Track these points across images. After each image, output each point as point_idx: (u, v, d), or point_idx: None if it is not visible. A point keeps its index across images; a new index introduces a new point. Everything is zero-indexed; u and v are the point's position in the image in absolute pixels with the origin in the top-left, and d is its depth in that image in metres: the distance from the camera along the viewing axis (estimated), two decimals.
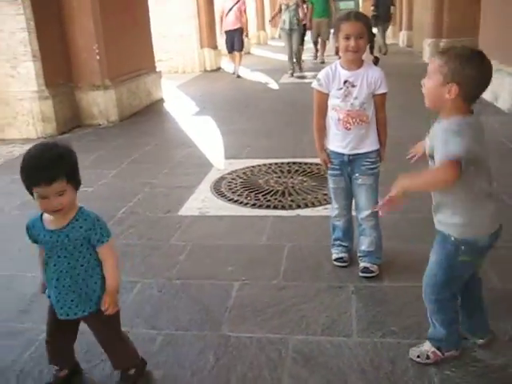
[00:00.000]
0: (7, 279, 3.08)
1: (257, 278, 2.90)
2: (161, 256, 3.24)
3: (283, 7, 11.14)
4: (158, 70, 9.22)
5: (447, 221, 2.05)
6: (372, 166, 2.85)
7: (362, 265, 2.92)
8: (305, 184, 4.30)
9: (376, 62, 3.08)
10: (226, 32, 11.46)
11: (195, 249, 3.30)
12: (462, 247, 2.02)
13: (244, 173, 4.64)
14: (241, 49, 11.63)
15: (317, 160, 4.79)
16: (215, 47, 13.65)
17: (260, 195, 4.11)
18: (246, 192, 4.18)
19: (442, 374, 2.12)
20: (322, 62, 12.82)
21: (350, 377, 2.12)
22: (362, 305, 2.62)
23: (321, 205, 3.88)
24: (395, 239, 3.28)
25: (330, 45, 11.84)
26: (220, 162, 5.01)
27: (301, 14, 11.34)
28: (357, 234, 3.04)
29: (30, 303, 2.79)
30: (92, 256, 2.01)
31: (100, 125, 7.08)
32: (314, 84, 2.88)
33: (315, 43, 13.59)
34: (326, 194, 4.05)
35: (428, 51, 12.46)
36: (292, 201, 3.97)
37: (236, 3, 11.36)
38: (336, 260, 3.01)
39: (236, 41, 11.44)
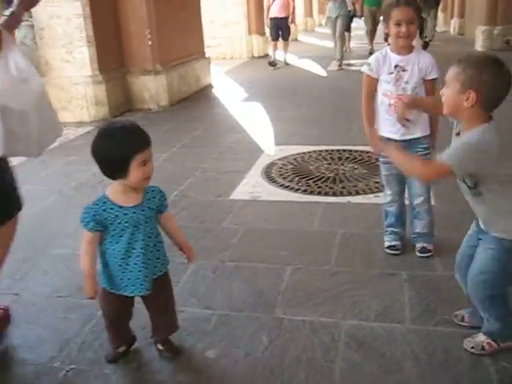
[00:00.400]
0: (66, 257, 3.19)
1: (309, 263, 2.93)
2: (214, 238, 3.30)
3: None
4: (206, 55, 9.29)
5: (499, 233, 2.06)
6: (424, 152, 2.84)
7: (418, 245, 2.97)
8: (356, 171, 4.30)
9: (425, 46, 3.15)
10: (272, 19, 11.22)
11: (247, 232, 3.35)
12: None
13: (295, 159, 4.65)
14: (287, 37, 11.52)
15: (367, 148, 4.79)
16: (263, 34, 13.66)
17: (311, 181, 4.13)
18: (297, 178, 4.21)
19: (498, 364, 2.11)
20: (371, 53, 11.73)
21: (403, 363, 2.13)
22: (414, 292, 2.62)
23: (372, 192, 3.87)
24: (448, 229, 3.25)
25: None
26: (270, 148, 5.04)
27: (348, 4, 10.98)
28: (410, 219, 3.04)
29: None
30: (156, 224, 2.13)
31: (150, 109, 7.20)
32: (364, 68, 2.88)
33: (368, 32, 12.58)
34: (377, 182, 4.04)
35: (481, 39, 12.17)
36: (343, 187, 3.98)
37: None
38: (388, 248, 3.01)
39: (283, 29, 11.25)
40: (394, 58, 2.77)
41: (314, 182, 4.12)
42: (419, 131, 2.83)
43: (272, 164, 4.55)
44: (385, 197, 3.06)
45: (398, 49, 2.77)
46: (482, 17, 12.27)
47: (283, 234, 3.32)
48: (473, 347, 2.20)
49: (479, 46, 12.23)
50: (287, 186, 4.06)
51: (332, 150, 4.83)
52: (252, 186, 4.09)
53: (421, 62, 2.76)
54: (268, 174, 4.31)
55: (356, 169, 4.36)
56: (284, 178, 4.21)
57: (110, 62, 6.99)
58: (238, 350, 2.26)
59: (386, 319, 2.42)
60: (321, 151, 4.80)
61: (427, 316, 2.43)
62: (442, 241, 3.09)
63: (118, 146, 1.94)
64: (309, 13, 23.96)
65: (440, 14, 20.92)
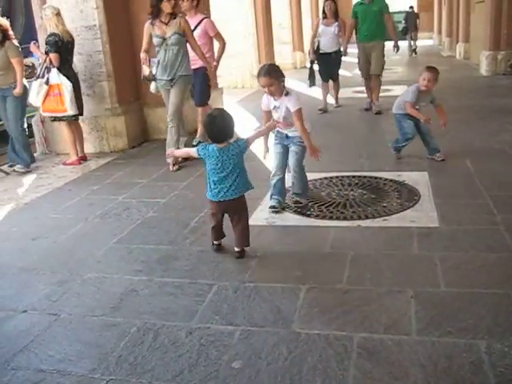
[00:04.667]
0: (97, 280, 3.45)
1: (323, 283, 3.17)
2: (234, 261, 3.55)
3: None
4: (219, 86, 9.62)
5: None
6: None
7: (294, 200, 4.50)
8: (365, 197, 4.55)
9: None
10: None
11: (265, 255, 3.60)
12: None
13: None
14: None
15: (375, 174, 5.06)
16: (273, 62, 14.03)
17: (323, 207, 4.38)
18: (310, 204, 4.46)
19: (496, 370, 2.33)
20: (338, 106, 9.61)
21: (410, 370, 2.36)
22: (420, 308, 2.84)
23: (380, 216, 4.11)
24: (453, 248, 3.50)
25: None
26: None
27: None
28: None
29: (119, 301, 3.14)
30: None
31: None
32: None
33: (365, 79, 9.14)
34: (385, 206, 4.29)
35: (485, 64, 12.44)
36: (353, 212, 4.23)
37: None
38: (271, 207, 4.35)
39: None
40: (273, 101, 4.20)
41: (326, 207, 4.38)
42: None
43: (286, 191, 4.79)
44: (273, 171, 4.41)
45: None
46: (486, 42, 12.56)
47: (298, 256, 3.57)
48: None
49: (484, 70, 12.51)
50: (300, 212, 4.31)
51: (342, 177, 5.09)
52: (267, 213, 4.35)
53: (286, 103, 4.09)
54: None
55: (365, 194, 4.61)
56: (297, 205, 4.46)
57: (128, 95, 7.34)
58: (260, 361, 2.50)
59: (395, 331, 2.65)
60: (331, 178, 5.06)
61: (432, 328, 2.65)
62: (448, 260, 3.33)
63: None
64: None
65: (446, 39, 21.34)
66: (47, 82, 6.17)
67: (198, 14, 6.78)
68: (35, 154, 7.14)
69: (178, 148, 5.71)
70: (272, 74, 4.01)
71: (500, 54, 12.17)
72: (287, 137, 4.33)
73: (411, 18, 21.17)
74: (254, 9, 13.59)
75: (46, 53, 6.13)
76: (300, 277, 3.27)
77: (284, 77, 4.11)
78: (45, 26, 6.42)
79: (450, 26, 20.29)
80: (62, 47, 6.15)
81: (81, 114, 6.54)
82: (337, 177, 5.06)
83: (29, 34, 9.45)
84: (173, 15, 5.75)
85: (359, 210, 4.28)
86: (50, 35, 6.09)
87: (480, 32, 13.51)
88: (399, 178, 4.96)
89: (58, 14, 6.15)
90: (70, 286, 3.39)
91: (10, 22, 10.13)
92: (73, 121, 6.51)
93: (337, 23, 8.99)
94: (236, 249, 3.61)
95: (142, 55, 5.78)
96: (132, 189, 5.35)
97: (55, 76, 6.16)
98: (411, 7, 22.38)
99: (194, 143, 6.61)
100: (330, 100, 9.55)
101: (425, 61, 17.57)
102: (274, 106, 4.20)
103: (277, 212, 4.33)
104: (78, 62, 6.89)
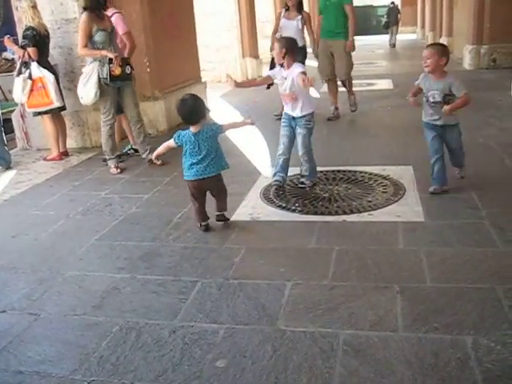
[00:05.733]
0: (79, 278, 3.38)
1: (308, 279, 3.13)
2: (217, 258, 3.50)
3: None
4: (203, 80, 9.55)
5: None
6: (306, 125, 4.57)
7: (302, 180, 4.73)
8: (349, 191, 4.52)
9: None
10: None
11: (249, 251, 3.56)
12: None
13: (291, 180, 4.86)
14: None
15: (360, 168, 5.03)
16: (257, 56, 13.97)
17: (307, 201, 4.34)
18: (294, 199, 4.42)
19: (483, 366, 2.31)
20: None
21: (396, 367, 2.33)
22: (406, 303, 2.82)
23: (365, 211, 4.09)
24: (438, 243, 3.48)
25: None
26: (267, 170, 5.26)
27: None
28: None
29: (101, 300, 3.08)
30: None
31: (150, 134, 7.41)
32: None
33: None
34: (370, 201, 4.26)
35: (468, 58, 12.47)
36: (338, 207, 4.20)
37: None
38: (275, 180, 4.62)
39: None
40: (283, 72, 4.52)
41: (310, 202, 4.34)
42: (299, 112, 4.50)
43: (270, 186, 4.76)
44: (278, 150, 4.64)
45: None
46: (469, 36, 12.58)
47: (282, 252, 3.53)
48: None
49: (467, 64, 12.53)
50: (285, 207, 4.27)
51: (327, 171, 5.05)
52: (251, 208, 4.31)
53: (293, 70, 4.40)
54: (266, 196, 4.53)
55: (350, 189, 4.58)
56: (281, 199, 4.43)
57: None
58: (245, 360, 2.46)
59: (381, 328, 2.62)
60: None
61: (418, 324, 2.63)
62: (433, 255, 3.31)
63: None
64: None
65: (429, 33, 21.42)
66: (30, 77, 6.05)
67: (110, 8, 5.99)
68: (15, 150, 7.03)
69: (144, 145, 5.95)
70: (285, 46, 4.43)
71: (483, 48, 12.20)
72: (293, 118, 4.57)
73: (393, 12, 22.04)
74: (237, 2, 13.50)
75: (23, 47, 6.00)
76: (285, 273, 3.23)
77: (295, 50, 4.56)
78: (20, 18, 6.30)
79: (434, 20, 20.37)
80: (40, 41, 6.03)
81: (65, 106, 6.44)
82: (321, 171, 5.00)
83: (7, 26, 9.31)
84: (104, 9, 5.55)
85: (344, 204, 4.25)
86: (27, 29, 5.96)
87: (463, 26, 13.54)
88: (384, 172, 4.94)
89: (34, 7, 6.03)
90: (51, 284, 3.32)
91: None
92: (57, 114, 6.41)
93: (300, 16, 7.75)
94: (216, 212, 4.02)
95: (109, 53, 5.35)
96: (114, 184, 5.28)
97: (36, 70, 6.05)
98: (392, 2, 22.91)
99: (126, 150, 6.49)
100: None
101: (408, 54, 17.67)
102: (282, 77, 4.52)
103: (280, 187, 4.57)
104: (58, 55, 6.77)
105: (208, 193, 4.00)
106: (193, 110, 3.79)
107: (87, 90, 5.48)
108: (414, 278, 3.06)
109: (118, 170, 5.71)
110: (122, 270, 3.43)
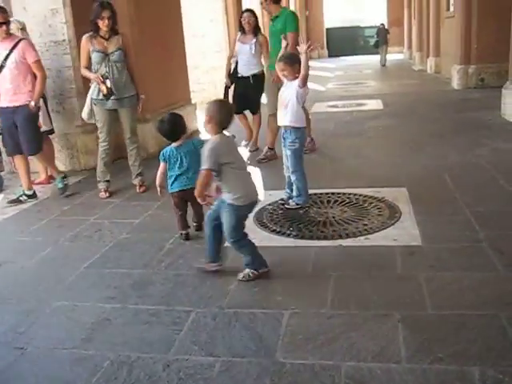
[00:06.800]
0: (67, 309, 3.26)
1: (305, 307, 3.03)
2: (211, 286, 3.39)
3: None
4: (192, 102, 9.49)
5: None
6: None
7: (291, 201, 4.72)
8: (345, 214, 4.43)
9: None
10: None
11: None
12: None
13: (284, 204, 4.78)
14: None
15: (354, 190, 4.96)
16: None
17: (302, 226, 4.25)
18: (288, 223, 4.33)
19: None
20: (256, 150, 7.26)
21: None
22: (408, 332, 2.72)
23: (362, 235, 4.00)
24: (437, 268, 3.40)
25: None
26: (260, 194, 5.14)
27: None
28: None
29: (91, 332, 2.96)
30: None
31: (142, 156, 7.31)
32: None
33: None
34: (366, 225, 4.18)
35: (457, 78, 12.54)
36: (334, 231, 4.11)
37: None
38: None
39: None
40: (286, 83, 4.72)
41: (305, 226, 4.25)
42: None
43: (263, 209, 4.67)
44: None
45: None
46: (457, 56, 12.67)
47: (278, 279, 3.43)
48: (243, 277, 3.39)
49: (455, 84, 12.60)
50: (279, 232, 4.18)
51: (321, 194, 4.97)
52: None
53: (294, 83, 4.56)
54: (260, 220, 4.43)
55: (345, 212, 4.50)
56: (275, 224, 4.33)
57: None
58: None
59: (383, 359, 2.52)
60: (310, 195, 4.92)
61: (422, 355, 2.53)
62: (433, 280, 3.23)
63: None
64: None
65: (416, 53, 21.60)
66: None
67: (12, 35, 5.53)
68: (3, 173, 6.89)
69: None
70: (285, 62, 4.58)
71: (471, 68, 12.27)
72: (284, 138, 4.68)
73: (382, 33, 22.79)
74: (226, 24, 13.53)
75: None
76: (281, 301, 3.13)
77: (297, 63, 4.50)
78: None
79: (420, 41, 20.52)
80: None
81: (53, 130, 6.35)
82: (315, 194, 4.93)
83: None
84: (113, 31, 5.50)
85: (340, 228, 4.16)
86: None
87: (450, 46, 13.65)
88: (378, 194, 4.87)
89: (23, 29, 5.95)
90: (38, 315, 3.20)
91: None
92: (45, 137, 6.30)
93: (254, 40, 7.04)
94: (196, 223, 4.30)
95: (91, 74, 5.45)
96: (104, 209, 5.16)
97: None
98: (382, 24, 23.96)
99: (18, 196, 5.72)
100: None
101: (396, 74, 17.78)
102: (283, 91, 4.71)
103: (283, 204, 4.75)
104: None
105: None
106: (172, 128, 4.11)
107: (85, 106, 5.65)
108: (415, 306, 2.97)
109: (107, 194, 5.60)
110: (113, 300, 3.31)
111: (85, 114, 5.65)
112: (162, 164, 4.14)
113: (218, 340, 2.78)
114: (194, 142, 4.14)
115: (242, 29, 7.21)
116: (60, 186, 5.81)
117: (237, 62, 7.32)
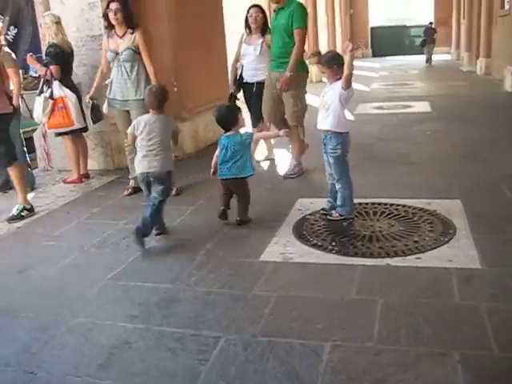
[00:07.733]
0: (86, 327, 2.98)
1: (349, 339, 2.66)
2: (244, 308, 3.05)
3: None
4: None
5: None
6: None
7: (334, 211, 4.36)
8: (393, 229, 4.03)
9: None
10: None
11: (280, 301, 3.09)
12: None
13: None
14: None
15: (402, 201, 4.55)
16: None
17: (345, 240, 3.88)
18: (331, 236, 3.96)
19: None
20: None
21: None
22: (471, 377, 2.33)
23: (412, 253, 3.59)
24: (501, 297, 2.98)
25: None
26: (300, 202, 4.80)
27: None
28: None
29: (108, 357, 2.66)
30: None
31: (177, 157, 7.02)
32: None
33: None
34: (416, 241, 3.78)
35: (510, 79, 11.90)
36: (381, 248, 3.71)
37: None
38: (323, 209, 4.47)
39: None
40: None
41: (349, 240, 3.87)
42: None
43: (303, 219, 4.31)
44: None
45: None
46: (511, 57, 12.03)
47: (319, 302, 3.06)
48: None
49: (508, 86, 11.97)
50: (320, 246, 3.81)
51: (366, 204, 4.58)
52: (283, 246, 3.85)
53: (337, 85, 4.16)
54: (299, 232, 4.07)
55: (393, 225, 4.09)
56: (317, 236, 3.96)
57: None
58: None
59: None
60: (354, 204, 4.53)
61: None
62: (497, 313, 2.82)
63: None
64: None
65: (465, 54, 20.85)
66: (51, 97, 5.75)
67: None
68: (36, 170, 6.71)
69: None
70: (324, 63, 4.21)
71: None
72: (324, 144, 4.35)
73: (429, 32, 22.47)
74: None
75: (46, 65, 5.71)
76: (322, 330, 2.76)
77: (338, 64, 4.14)
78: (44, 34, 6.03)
79: (470, 41, 19.76)
80: (63, 58, 5.74)
81: (87, 127, 6.14)
82: (359, 203, 4.53)
83: (35, 44, 9.13)
84: (129, 28, 5.24)
85: (387, 245, 3.76)
86: (49, 46, 5.67)
87: (503, 46, 13.00)
88: (429, 206, 4.44)
89: (58, 23, 5.74)
90: (54, 333, 2.92)
91: (18, 31, 9.88)
92: (78, 135, 6.10)
93: (261, 40, 6.09)
94: (237, 218, 4.32)
95: (93, 88, 5.66)
96: (135, 212, 4.85)
97: (58, 89, 5.75)
98: (430, 23, 23.61)
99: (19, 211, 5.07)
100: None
101: (444, 75, 17.11)
102: (325, 91, 4.30)
103: (325, 214, 4.40)
104: (82, 73, 6.47)
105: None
106: (224, 119, 4.32)
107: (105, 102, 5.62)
108: (478, 344, 2.56)
109: (128, 191, 5.50)
110: (136, 319, 3.00)
111: (105, 107, 5.66)
112: (218, 148, 4.36)
113: (249, 375, 2.45)
114: (242, 135, 4.31)
115: (248, 27, 6.23)
116: (15, 213, 4.93)
117: (243, 67, 6.38)
